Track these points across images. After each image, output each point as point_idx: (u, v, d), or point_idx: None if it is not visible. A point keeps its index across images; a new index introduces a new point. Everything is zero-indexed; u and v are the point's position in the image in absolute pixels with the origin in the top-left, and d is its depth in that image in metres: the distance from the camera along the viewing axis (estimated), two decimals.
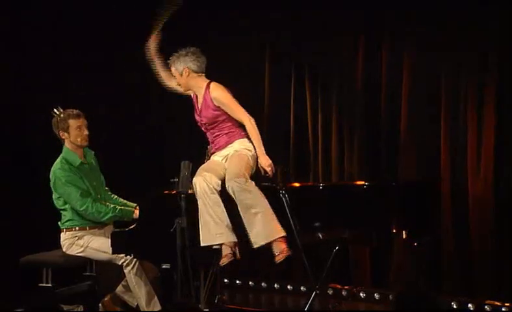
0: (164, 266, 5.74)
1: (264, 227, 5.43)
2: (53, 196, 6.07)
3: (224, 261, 5.51)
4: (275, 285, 7.45)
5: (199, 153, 5.87)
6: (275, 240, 5.45)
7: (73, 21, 7.57)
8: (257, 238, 5.45)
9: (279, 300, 7.29)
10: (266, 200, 5.47)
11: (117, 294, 6.08)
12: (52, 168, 6.05)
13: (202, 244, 5.48)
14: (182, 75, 5.71)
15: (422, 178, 6.73)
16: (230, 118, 5.68)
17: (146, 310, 5.84)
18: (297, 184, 6.13)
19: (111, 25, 7.61)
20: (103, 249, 5.87)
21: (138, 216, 5.96)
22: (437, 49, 6.71)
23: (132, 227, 5.83)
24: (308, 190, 6.22)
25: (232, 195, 5.47)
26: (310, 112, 7.40)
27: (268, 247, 5.47)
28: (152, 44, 5.88)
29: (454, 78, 6.67)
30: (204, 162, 5.74)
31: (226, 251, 5.51)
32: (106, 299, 6.09)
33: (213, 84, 5.70)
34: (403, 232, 5.93)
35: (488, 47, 6.50)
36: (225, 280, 7.43)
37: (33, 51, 7.45)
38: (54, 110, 6.09)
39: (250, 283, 7.57)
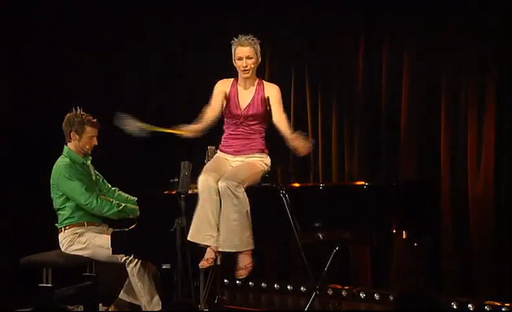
0: (164, 266, 5.74)
1: (235, 237, 5.44)
2: (52, 195, 6.07)
3: (204, 264, 5.49)
4: (275, 285, 7.45)
5: (199, 153, 5.87)
6: (241, 251, 5.47)
7: (73, 21, 7.57)
8: (224, 244, 5.45)
9: (279, 300, 7.28)
10: (248, 209, 5.46)
11: (121, 298, 6.08)
12: (55, 165, 6.05)
13: (189, 238, 5.45)
14: (258, 61, 5.71)
15: (422, 178, 6.72)
16: (265, 124, 5.73)
17: (148, 308, 5.84)
18: (297, 185, 6.12)
19: (111, 25, 7.61)
20: (107, 246, 5.85)
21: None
22: (437, 49, 6.71)
23: (132, 227, 5.84)
24: (309, 190, 6.21)
25: (221, 194, 5.46)
26: (310, 112, 7.39)
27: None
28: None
29: (454, 78, 6.67)
30: (204, 163, 5.74)
31: (210, 255, 5.49)
32: (110, 309, 6.09)
33: (266, 82, 5.78)
34: (403, 232, 5.93)
35: (488, 47, 6.50)
36: (225, 280, 7.42)
37: (33, 51, 7.45)
38: (77, 108, 6.09)
39: (250, 283, 7.56)
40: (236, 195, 5.42)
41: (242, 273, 5.53)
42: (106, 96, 7.72)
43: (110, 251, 5.81)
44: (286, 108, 7.52)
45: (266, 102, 5.70)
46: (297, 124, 7.44)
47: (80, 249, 5.98)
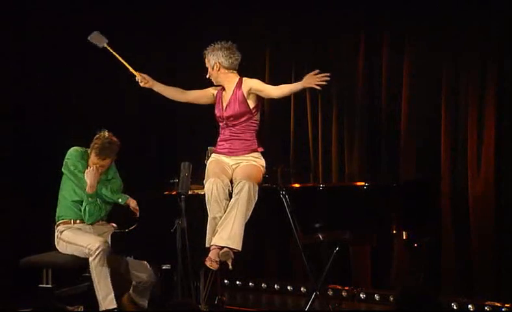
0: (164, 267, 5.74)
1: (230, 233, 5.43)
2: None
3: (213, 266, 5.49)
4: (275, 286, 7.44)
5: (199, 153, 5.87)
6: (229, 248, 5.44)
7: (73, 19, 7.57)
8: (218, 241, 5.45)
9: (279, 301, 7.28)
10: (250, 212, 5.47)
11: (131, 294, 6.07)
12: (69, 150, 6.00)
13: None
14: (213, 69, 5.72)
15: (422, 178, 6.72)
16: (252, 122, 5.70)
17: (102, 304, 5.77)
18: (297, 185, 6.12)
19: (111, 24, 7.61)
20: (71, 241, 5.85)
21: (127, 204, 5.97)
22: (437, 49, 6.71)
23: (132, 227, 5.84)
24: (309, 190, 6.21)
25: (237, 191, 5.46)
26: (310, 112, 7.39)
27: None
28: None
29: (454, 78, 6.67)
30: (205, 163, 5.74)
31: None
32: (124, 297, 6.07)
33: (245, 78, 5.75)
34: (403, 232, 5.94)
35: (488, 47, 6.50)
36: (225, 281, 7.42)
37: (33, 50, 7.44)
38: (105, 132, 5.98)
39: (250, 283, 7.57)
40: (254, 197, 5.46)
41: (213, 265, 5.49)
42: (106, 97, 7.72)
43: (79, 242, 5.80)
44: (286, 109, 7.55)
45: (244, 99, 5.67)
46: (297, 124, 7.49)
47: (63, 248, 5.95)
